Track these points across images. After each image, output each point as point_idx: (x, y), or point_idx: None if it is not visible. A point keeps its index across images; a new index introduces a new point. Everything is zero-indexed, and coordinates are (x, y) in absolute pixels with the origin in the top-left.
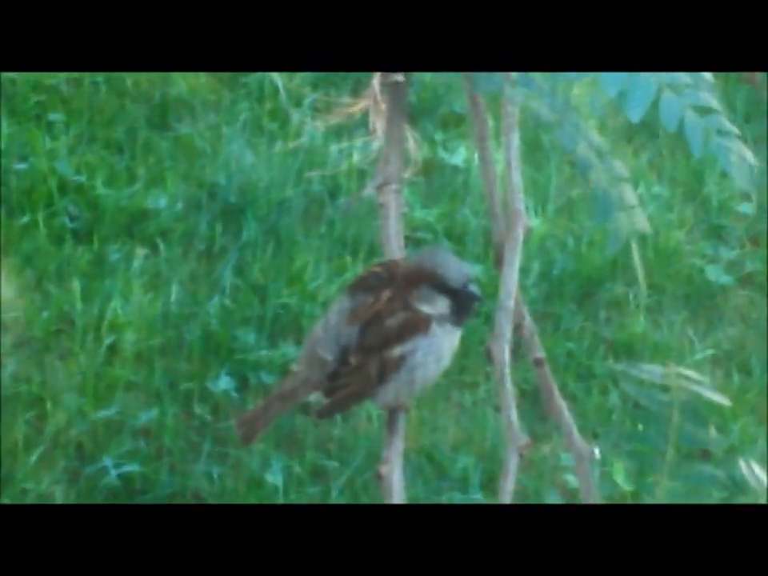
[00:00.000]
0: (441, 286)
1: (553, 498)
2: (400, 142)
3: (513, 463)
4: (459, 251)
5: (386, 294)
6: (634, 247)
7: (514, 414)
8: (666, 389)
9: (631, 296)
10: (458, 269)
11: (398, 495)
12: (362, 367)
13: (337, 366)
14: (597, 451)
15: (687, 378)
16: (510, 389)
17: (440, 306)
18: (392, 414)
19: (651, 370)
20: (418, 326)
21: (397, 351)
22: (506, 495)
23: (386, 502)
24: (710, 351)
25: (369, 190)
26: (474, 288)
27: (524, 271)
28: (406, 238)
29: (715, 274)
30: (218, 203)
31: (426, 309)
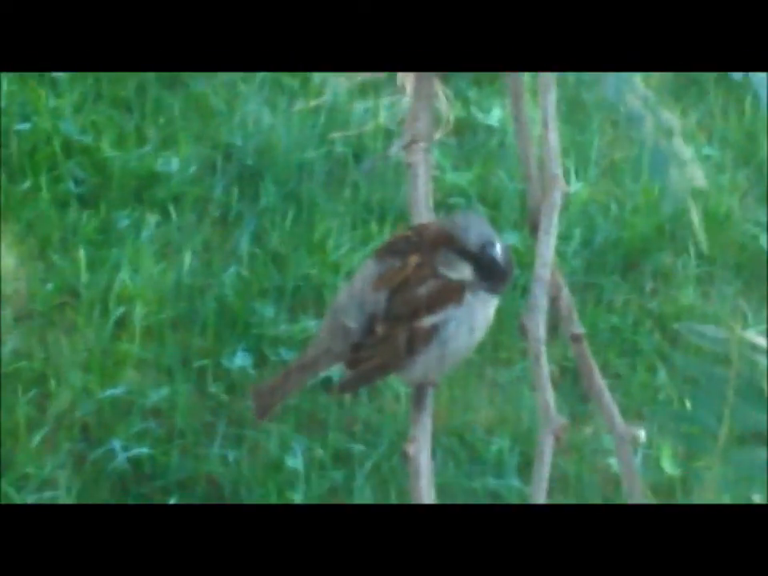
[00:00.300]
0: (460, 250)
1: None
2: (429, 98)
3: (548, 447)
4: (494, 217)
5: (413, 260)
6: (692, 204)
7: (549, 394)
8: (722, 361)
9: (680, 266)
10: (478, 231)
11: (426, 476)
12: (389, 338)
13: (361, 335)
14: (642, 433)
15: (752, 346)
16: (545, 367)
17: (463, 271)
18: (419, 389)
19: (712, 333)
20: (450, 294)
21: (427, 321)
22: (542, 482)
23: (414, 483)
24: (764, 326)
25: (395, 149)
26: (493, 251)
27: (564, 239)
28: (437, 203)
29: None
30: (234, 166)
31: (449, 274)
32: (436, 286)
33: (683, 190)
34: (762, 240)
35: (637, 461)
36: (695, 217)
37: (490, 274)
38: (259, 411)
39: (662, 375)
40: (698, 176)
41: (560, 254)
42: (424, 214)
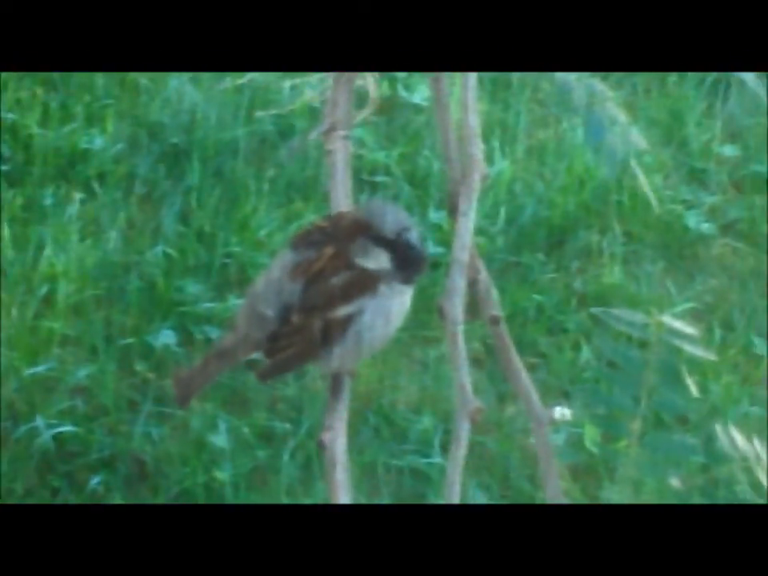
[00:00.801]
0: (377, 237)
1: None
2: (350, 84)
3: (464, 430)
4: (419, 196)
5: (328, 251)
6: (634, 164)
7: (466, 377)
8: (643, 344)
9: (604, 245)
10: (395, 218)
11: (341, 464)
12: (304, 327)
13: (278, 324)
14: (567, 412)
15: (671, 329)
16: (462, 349)
17: (380, 259)
18: (336, 378)
19: (631, 318)
20: (364, 285)
21: (342, 312)
22: (457, 464)
23: (329, 471)
24: (689, 304)
25: (314, 135)
26: (411, 237)
27: (490, 218)
28: (363, 182)
29: (695, 221)
30: (160, 144)
31: (366, 263)
32: (350, 277)
33: (623, 151)
34: (686, 219)
35: (561, 439)
36: (640, 175)
37: (407, 260)
38: (180, 399)
39: (587, 354)
40: (636, 137)
41: (485, 232)
42: (342, 201)
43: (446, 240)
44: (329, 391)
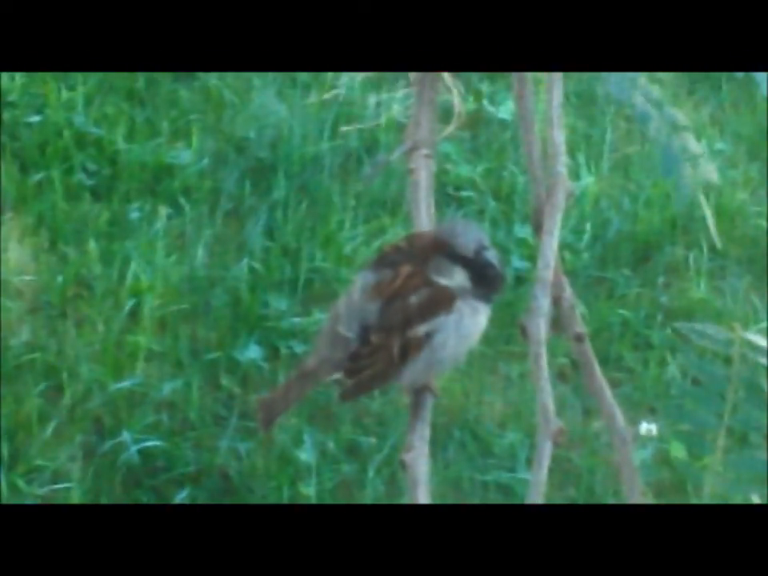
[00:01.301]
0: (453, 255)
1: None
2: (432, 103)
3: (546, 451)
4: (505, 211)
5: (405, 269)
6: (703, 199)
7: (549, 398)
8: (728, 360)
9: (691, 260)
10: (471, 236)
11: (423, 485)
12: (383, 347)
13: (358, 345)
14: (654, 427)
15: (753, 346)
16: (545, 369)
17: (457, 277)
18: (417, 396)
19: (714, 334)
20: (441, 302)
21: (420, 330)
22: (539, 485)
23: (411, 491)
24: None
25: (397, 155)
26: (488, 255)
27: (576, 233)
28: (449, 196)
29: None
30: (246, 159)
31: (443, 281)
32: (427, 294)
33: (694, 185)
34: None
35: (647, 455)
36: (708, 211)
37: (484, 278)
38: (264, 422)
39: (673, 369)
40: (710, 171)
41: (571, 248)
42: (425, 220)
43: (531, 255)
44: (410, 411)
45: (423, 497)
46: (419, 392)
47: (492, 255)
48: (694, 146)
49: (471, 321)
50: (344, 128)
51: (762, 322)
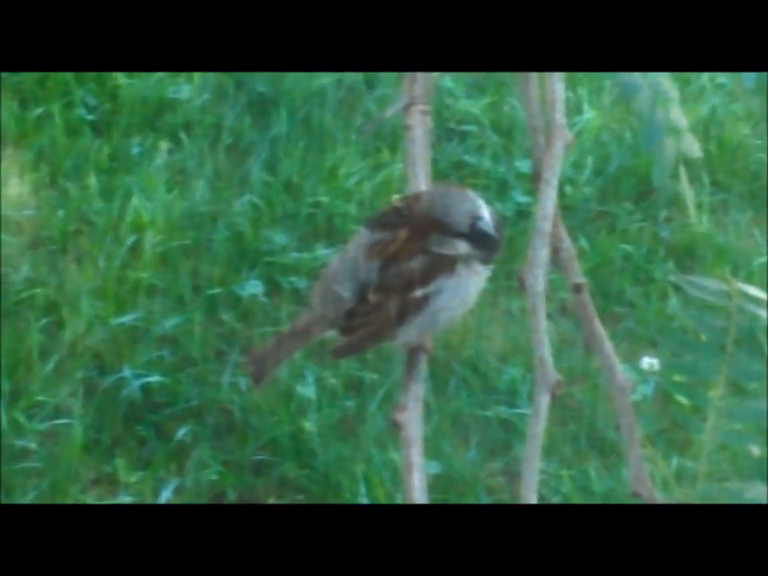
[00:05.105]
0: (450, 232)
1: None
2: None
3: (543, 404)
4: (507, 145)
5: (402, 234)
6: (683, 173)
7: (546, 350)
8: (721, 311)
9: (693, 194)
10: (463, 210)
11: (416, 446)
12: (381, 307)
13: (355, 303)
14: (656, 362)
15: (748, 297)
16: (543, 322)
17: (458, 247)
18: (411, 355)
19: (708, 285)
20: (442, 267)
21: (420, 292)
22: (536, 440)
23: (404, 451)
24: None
25: (392, 111)
26: (483, 224)
27: (577, 167)
28: (451, 131)
29: None
30: (247, 93)
31: (442, 251)
32: (427, 260)
33: (675, 158)
34: None
35: (649, 390)
36: (686, 186)
37: (483, 246)
38: (255, 377)
39: (675, 303)
40: (691, 144)
41: (572, 182)
42: (421, 177)
43: (532, 189)
44: (404, 369)
45: (416, 457)
46: (413, 351)
47: (487, 223)
48: (679, 118)
49: (471, 282)
50: None
51: (763, 256)
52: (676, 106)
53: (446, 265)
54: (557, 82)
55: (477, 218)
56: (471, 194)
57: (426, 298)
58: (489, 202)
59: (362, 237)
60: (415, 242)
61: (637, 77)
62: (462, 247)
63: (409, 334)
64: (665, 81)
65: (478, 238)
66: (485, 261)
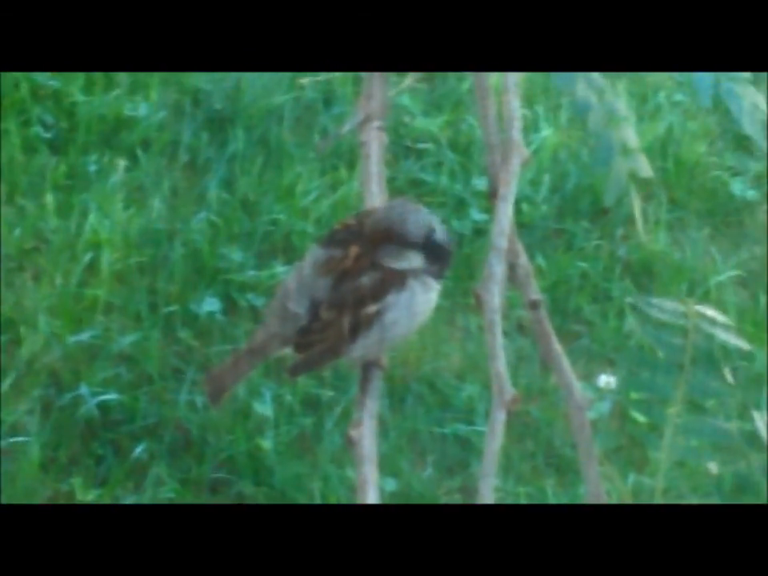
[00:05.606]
0: (404, 243)
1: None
2: (384, 75)
3: (500, 419)
4: (464, 163)
5: (354, 250)
6: (634, 194)
7: (503, 365)
8: (682, 329)
9: (650, 212)
10: (418, 222)
11: (371, 463)
12: (334, 323)
13: (308, 320)
14: (612, 380)
15: (705, 317)
16: (499, 337)
17: (412, 260)
18: (366, 371)
19: (666, 306)
20: (393, 282)
21: (371, 308)
22: (492, 456)
23: (358, 468)
24: (734, 272)
25: (348, 128)
26: (437, 237)
27: (534, 184)
28: (408, 149)
29: (740, 188)
30: (203, 111)
31: (394, 264)
32: (379, 275)
33: (627, 178)
34: (732, 186)
35: (606, 408)
36: (636, 205)
37: (436, 259)
38: (213, 397)
39: (632, 321)
40: (643, 165)
41: (530, 199)
42: (376, 193)
43: (489, 207)
44: (358, 386)
45: (371, 474)
46: (368, 367)
47: (440, 236)
48: (632, 138)
49: (423, 298)
50: (302, 80)
51: (720, 274)
52: (629, 125)
53: (396, 280)
54: (513, 99)
55: (431, 229)
56: (425, 208)
57: (377, 314)
58: (446, 220)
59: (314, 254)
60: (367, 257)
61: (591, 96)
62: (416, 259)
63: (362, 349)
64: (619, 100)
65: (432, 249)
66: (437, 276)
